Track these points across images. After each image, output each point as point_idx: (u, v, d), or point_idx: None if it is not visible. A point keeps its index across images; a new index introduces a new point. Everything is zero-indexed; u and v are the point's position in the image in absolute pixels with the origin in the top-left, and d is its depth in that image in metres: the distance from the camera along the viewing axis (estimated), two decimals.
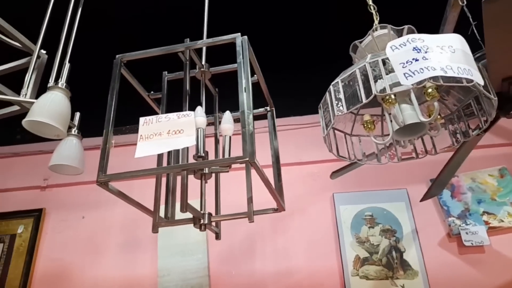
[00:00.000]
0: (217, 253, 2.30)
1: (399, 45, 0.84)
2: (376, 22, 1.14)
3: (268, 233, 2.36)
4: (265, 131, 2.68)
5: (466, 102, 1.05)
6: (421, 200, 2.09)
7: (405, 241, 2.12)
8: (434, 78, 0.79)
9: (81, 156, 1.28)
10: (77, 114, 1.34)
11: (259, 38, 2.12)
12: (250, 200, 0.95)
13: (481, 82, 0.82)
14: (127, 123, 2.48)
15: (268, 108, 1.25)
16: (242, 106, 0.83)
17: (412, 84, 0.79)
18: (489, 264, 2.05)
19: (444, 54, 0.81)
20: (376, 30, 1.06)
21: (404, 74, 0.80)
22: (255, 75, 1.10)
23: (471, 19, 1.62)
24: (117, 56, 1.01)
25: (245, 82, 0.86)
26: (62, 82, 1.15)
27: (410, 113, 0.94)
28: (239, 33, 0.96)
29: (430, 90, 0.89)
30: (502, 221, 2.09)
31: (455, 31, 1.82)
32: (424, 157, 1.44)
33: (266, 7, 1.94)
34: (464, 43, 0.86)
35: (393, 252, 2.10)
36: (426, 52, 0.81)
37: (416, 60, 0.81)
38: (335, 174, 1.56)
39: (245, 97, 0.84)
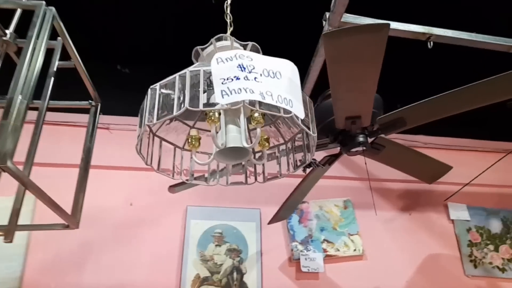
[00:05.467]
0: (38, 262, 1.95)
1: (226, 59, 0.75)
2: (228, 32, 1.06)
3: (108, 243, 2.10)
4: (128, 129, 2.45)
5: (297, 134, 1.02)
6: (269, 223, 2.10)
7: (249, 262, 2.10)
8: (251, 102, 0.72)
9: None
10: None
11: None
12: (15, 212, 0.74)
13: (301, 116, 0.77)
14: None
15: (92, 102, 1.05)
16: (13, 92, 0.63)
17: (226, 104, 0.70)
18: None
19: (268, 79, 0.75)
20: (221, 40, 0.97)
21: (222, 91, 0.70)
22: (71, 60, 0.90)
23: None
24: None
25: (27, 62, 0.66)
26: None
27: (234, 136, 0.85)
28: (44, 1, 0.76)
29: (256, 114, 0.81)
30: (338, 250, 2.22)
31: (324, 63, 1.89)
32: (276, 180, 1.40)
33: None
34: (295, 72, 0.82)
35: (234, 273, 2.05)
36: (250, 72, 0.74)
37: (238, 78, 0.72)
38: (174, 188, 1.43)
39: (21, 80, 0.65)
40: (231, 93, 0.70)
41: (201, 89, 0.72)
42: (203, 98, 0.73)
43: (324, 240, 2.24)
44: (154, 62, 2.07)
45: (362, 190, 2.52)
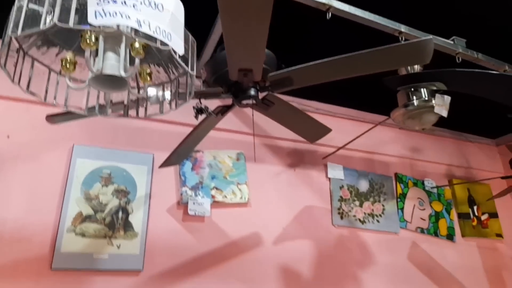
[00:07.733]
0: None
1: None
2: None
3: None
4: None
5: (182, 74, 1.05)
6: (160, 167, 2.13)
7: (136, 203, 2.12)
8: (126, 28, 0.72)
9: None
10: None
11: None
12: None
13: (179, 51, 0.80)
14: None
15: None
16: None
17: (99, 27, 0.69)
18: (206, 233, 2.28)
19: (149, 9, 0.75)
20: None
21: (96, 11, 0.69)
22: None
23: None
24: None
25: None
26: None
27: (111, 64, 0.85)
28: None
29: (136, 45, 0.82)
30: (226, 197, 2.36)
31: None
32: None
33: None
34: (179, 8, 0.83)
35: (120, 213, 2.06)
36: None
37: (114, 1, 0.71)
38: (53, 117, 1.35)
39: None
40: (105, 15, 0.69)
41: (73, 5, 0.70)
42: (74, 18, 0.70)
43: (214, 187, 2.36)
44: None
45: (256, 145, 2.68)
